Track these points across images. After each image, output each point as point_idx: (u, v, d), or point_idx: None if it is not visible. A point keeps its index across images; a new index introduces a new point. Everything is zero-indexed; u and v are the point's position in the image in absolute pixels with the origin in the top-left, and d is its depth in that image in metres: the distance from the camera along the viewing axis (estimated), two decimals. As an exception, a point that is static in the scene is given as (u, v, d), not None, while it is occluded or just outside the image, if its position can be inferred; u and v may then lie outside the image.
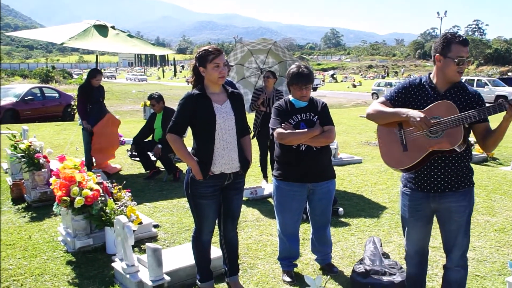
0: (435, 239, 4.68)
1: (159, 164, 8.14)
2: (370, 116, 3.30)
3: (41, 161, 6.20)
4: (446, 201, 3.10)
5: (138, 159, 8.22)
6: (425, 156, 3.01)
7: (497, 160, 10.08)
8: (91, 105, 8.06)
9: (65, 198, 4.46)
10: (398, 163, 3.15)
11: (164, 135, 7.59)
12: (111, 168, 8.40)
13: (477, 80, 29.86)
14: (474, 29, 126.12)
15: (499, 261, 4.55)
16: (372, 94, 34.91)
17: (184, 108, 3.50)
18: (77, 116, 10.72)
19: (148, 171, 8.07)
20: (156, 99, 7.89)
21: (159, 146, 7.67)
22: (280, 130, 3.84)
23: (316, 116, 3.93)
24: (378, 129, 3.33)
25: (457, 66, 2.96)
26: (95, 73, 8.15)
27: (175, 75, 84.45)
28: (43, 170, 6.22)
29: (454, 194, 3.08)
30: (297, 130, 3.83)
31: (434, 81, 3.12)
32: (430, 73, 3.17)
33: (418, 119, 2.94)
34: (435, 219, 3.29)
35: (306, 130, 3.82)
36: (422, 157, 3.01)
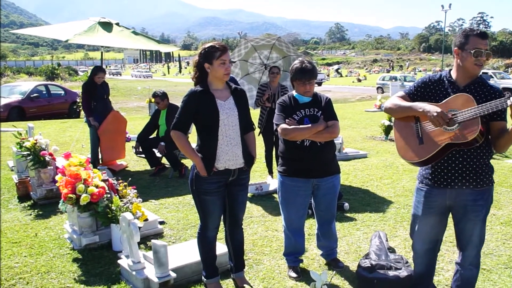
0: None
1: (164, 160, 8.15)
2: (388, 110, 3.32)
3: (46, 158, 6.22)
4: (462, 199, 3.05)
5: (143, 155, 8.24)
6: (441, 148, 2.97)
7: (503, 153, 10.03)
8: (95, 102, 8.09)
9: (70, 195, 4.48)
10: (415, 155, 3.11)
11: (167, 132, 7.61)
12: (117, 165, 8.42)
13: (483, 72, 29.62)
14: (479, 22, 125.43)
15: (505, 254, 4.54)
16: (377, 88, 34.78)
17: (187, 105, 3.50)
18: (82, 113, 10.74)
19: (154, 167, 8.09)
20: (161, 97, 7.90)
21: (162, 143, 7.68)
22: (284, 125, 3.84)
23: (320, 111, 3.92)
24: (394, 123, 3.33)
25: (474, 58, 2.93)
26: (97, 70, 8.19)
27: (180, 71, 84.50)
28: (48, 167, 6.26)
29: (472, 192, 3.02)
30: (301, 126, 3.82)
31: (454, 76, 3.09)
32: (451, 69, 3.15)
33: (435, 113, 2.91)
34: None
35: (310, 125, 3.81)
36: (438, 150, 2.97)
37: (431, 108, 2.96)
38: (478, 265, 3.23)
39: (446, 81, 3.10)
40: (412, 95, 3.21)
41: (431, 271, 3.48)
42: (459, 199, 3.06)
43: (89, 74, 8.70)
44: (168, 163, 8.02)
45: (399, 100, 3.24)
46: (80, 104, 14.57)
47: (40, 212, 5.91)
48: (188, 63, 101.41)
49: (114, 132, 8.22)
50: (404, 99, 3.23)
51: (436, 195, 3.14)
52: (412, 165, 3.23)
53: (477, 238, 3.12)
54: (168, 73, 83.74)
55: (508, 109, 2.70)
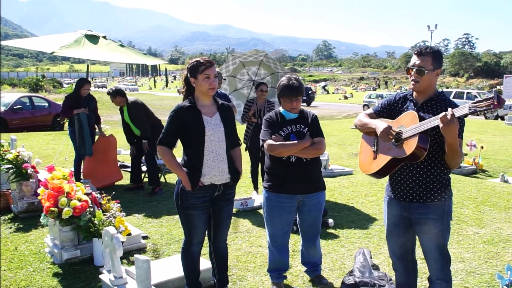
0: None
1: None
2: (356, 126, 3.47)
3: (29, 171, 6.15)
4: (414, 212, 3.13)
5: (128, 169, 8.16)
6: (389, 163, 3.10)
7: (486, 172, 10.13)
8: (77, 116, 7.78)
9: (53, 209, 4.42)
10: (368, 168, 3.31)
11: (140, 128, 7.49)
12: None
13: (467, 92, 30.09)
14: (464, 43, 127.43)
15: (487, 272, 4.55)
16: (364, 106, 35.09)
17: (174, 120, 3.50)
18: (66, 125, 10.37)
19: (132, 183, 7.98)
20: (112, 94, 7.60)
21: (144, 141, 7.51)
22: (270, 141, 3.84)
23: (306, 128, 3.93)
24: (361, 138, 3.48)
25: (409, 75, 3.10)
26: (82, 82, 7.95)
27: (166, 85, 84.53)
28: (31, 180, 6.17)
29: (422, 206, 3.10)
30: (287, 142, 3.82)
31: (415, 94, 3.19)
32: None
33: (381, 130, 3.05)
34: None
35: (296, 141, 3.82)
36: (384, 164, 3.12)
37: (380, 124, 3.10)
38: (447, 280, 3.21)
39: (409, 100, 3.23)
40: (378, 113, 3.36)
41: (410, 283, 3.48)
42: (411, 212, 3.15)
43: (74, 86, 8.49)
44: (148, 181, 7.92)
45: (365, 117, 3.38)
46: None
47: (21, 226, 5.81)
48: (174, 77, 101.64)
49: (102, 160, 7.95)
50: (371, 117, 3.37)
51: (394, 205, 3.27)
52: (369, 176, 3.38)
53: (435, 252, 3.15)
54: (155, 86, 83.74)
55: (439, 122, 2.73)
